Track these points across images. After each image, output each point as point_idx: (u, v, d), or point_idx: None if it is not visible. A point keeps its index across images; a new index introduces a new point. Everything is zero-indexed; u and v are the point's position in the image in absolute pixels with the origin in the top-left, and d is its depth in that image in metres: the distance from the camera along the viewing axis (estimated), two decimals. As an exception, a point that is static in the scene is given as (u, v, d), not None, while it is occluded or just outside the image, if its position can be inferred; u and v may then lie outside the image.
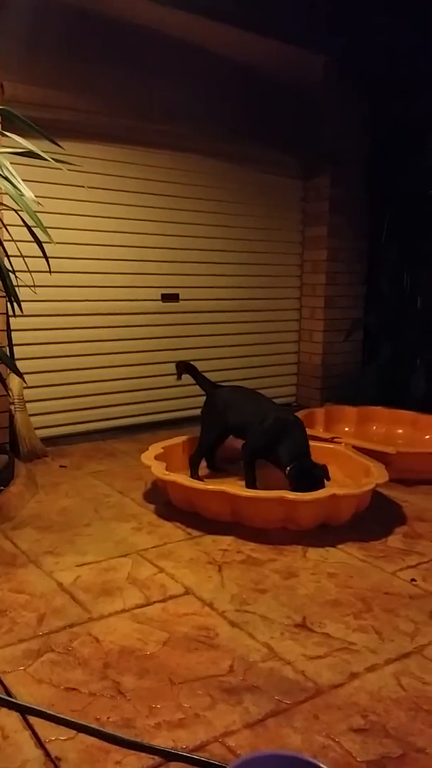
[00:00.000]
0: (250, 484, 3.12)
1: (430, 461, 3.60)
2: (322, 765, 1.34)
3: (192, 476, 3.28)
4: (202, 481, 3.22)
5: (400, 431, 4.28)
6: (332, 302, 5.19)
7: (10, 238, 3.09)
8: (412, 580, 2.40)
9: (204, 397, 3.49)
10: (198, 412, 4.63)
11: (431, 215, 4.82)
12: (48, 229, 2.74)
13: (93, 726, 1.58)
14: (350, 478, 3.26)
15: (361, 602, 2.24)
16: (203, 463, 3.49)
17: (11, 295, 2.90)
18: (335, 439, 3.62)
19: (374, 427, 4.37)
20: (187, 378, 3.53)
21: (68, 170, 2.99)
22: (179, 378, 3.56)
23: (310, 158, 5.04)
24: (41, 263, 2.91)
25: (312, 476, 2.92)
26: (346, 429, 4.31)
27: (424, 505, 3.20)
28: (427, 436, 4.13)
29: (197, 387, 3.57)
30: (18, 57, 3.55)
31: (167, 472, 2.98)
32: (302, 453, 3.03)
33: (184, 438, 3.63)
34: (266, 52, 4.42)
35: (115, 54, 3.91)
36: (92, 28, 3.80)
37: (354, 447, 3.49)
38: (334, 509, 2.82)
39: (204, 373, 3.59)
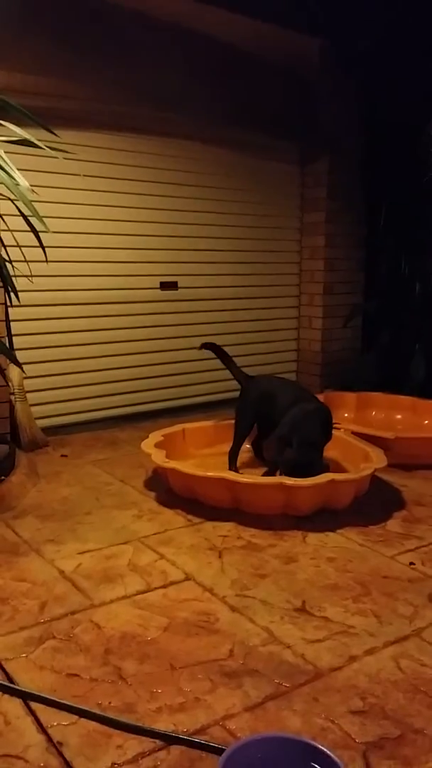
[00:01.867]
0: (271, 471, 3.13)
1: (429, 446, 3.61)
2: (321, 747, 1.36)
3: (230, 468, 3.28)
4: (239, 472, 3.22)
5: (399, 416, 4.28)
6: (331, 288, 5.18)
7: (6, 228, 3.08)
8: (411, 563, 2.42)
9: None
10: (200, 399, 4.71)
11: (429, 201, 4.80)
12: (44, 218, 2.73)
13: (94, 711, 1.60)
14: (349, 463, 3.27)
15: (360, 586, 2.25)
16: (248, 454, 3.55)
17: (8, 285, 2.90)
18: (335, 425, 3.62)
19: (374, 413, 4.38)
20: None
21: (63, 158, 2.97)
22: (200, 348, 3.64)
23: (307, 144, 5.01)
24: (38, 253, 2.90)
25: (295, 465, 2.90)
26: (346, 415, 4.31)
27: (423, 490, 3.21)
28: (426, 421, 4.14)
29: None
30: (10, 45, 3.52)
31: (167, 460, 3.00)
32: (308, 442, 3.00)
33: (184, 426, 3.65)
34: (261, 36, 4.38)
35: (109, 41, 3.88)
36: (85, 15, 3.76)
37: (353, 432, 3.50)
38: (334, 494, 2.83)
39: (204, 361, 3.60)
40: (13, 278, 2.93)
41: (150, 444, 3.19)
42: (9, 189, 2.69)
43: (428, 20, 4.48)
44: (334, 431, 3.43)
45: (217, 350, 3.62)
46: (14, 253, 3.03)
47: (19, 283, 3.03)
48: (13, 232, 3.06)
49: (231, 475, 2.90)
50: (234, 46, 4.44)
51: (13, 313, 3.66)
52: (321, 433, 3.09)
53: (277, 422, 3.23)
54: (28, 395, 3.83)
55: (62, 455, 3.71)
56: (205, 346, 3.63)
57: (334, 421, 3.24)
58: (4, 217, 3.06)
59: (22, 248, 3.04)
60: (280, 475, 2.95)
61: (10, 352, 3.42)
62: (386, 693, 1.69)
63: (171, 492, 3.07)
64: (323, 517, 2.81)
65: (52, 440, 3.91)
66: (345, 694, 1.69)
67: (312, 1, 4.37)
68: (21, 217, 2.83)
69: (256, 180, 4.94)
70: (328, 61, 4.81)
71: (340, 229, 5.14)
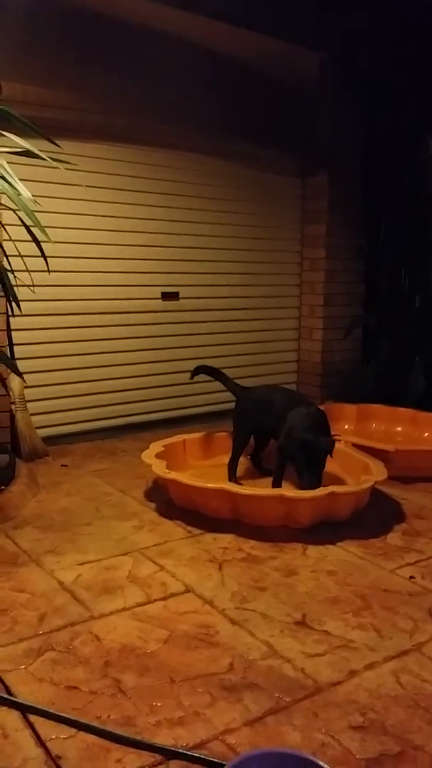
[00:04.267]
0: (276, 483, 3.11)
1: (429, 459, 3.61)
2: (320, 762, 1.35)
3: (230, 480, 3.28)
4: (240, 484, 3.20)
5: (400, 429, 4.28)
6: (331, 300, 5.19)
7: (8, 238, 3.10)
8: (411, 577, 2.41)
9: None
10: (200, 409, 4.71)
11: (428, 214, 4.82)
12: (46, 229, 2.75)
13: (93, 724, 1.59)
14: (349, 475, 3.27)
15: (361, 600, 2.24)
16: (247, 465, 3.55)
17: (10, 295, 2.91)
18: (335, 437, 3.62)
19: (374, 425, 4.37)
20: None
21: (66, 169, 2.99)
22: (191, 378, 3.65)
23: (307, 157, 5.04)
24: (40, 263, 2.92)
25: (300, 443, 2.94)
26: (346, 427, 4.31)
27: (423, 503, 3.21)
28: (426, 434, 4.14)
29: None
30: (14, 56, 3.55)
31: (168, 471, 2.99)
32: (306, 426, 3.01)
33: (184, 436, 3.65)
34: (262, 50, 4.42)
35: (111, 53, 3.91)
36: (87, 27, 3.80)
37: (353, 445, 3.50)
38: (334, 507, 2.83)
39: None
40: (15, 288, 2.94)
41: (151, 454, 3.19)
42: (11, 199, 2.71)
43: (427, 35, 4.52)
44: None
45: (208, 370, 3.64)
46: (16, 263, 3.05)
47: (21, 292, 3.04)
48: (15, 242, 3.08)
49: (231, 487, 2.90)
50: (236, 60, 4.48)
51: (14, 322, 3.67)
52: (319, 430, 3.06)
53: (273, 430, 3.22)
54: (29, 405, 3.83)
55: (62, 465, 3.71)
56: (196, 371, 3.65)
57: (334, 433, 3.23)
58: (6, 227, 3.07)
59: (24, 258, 3.06)
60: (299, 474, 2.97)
61: (11, 362, 3.43)
62: (386, 708, 1.69)
63: (171, 503, 3.07)
64: (323, 530, 2.80)
65: (53, 450, 3.91)
66: (345, 710, 1.68)
67: (313, 16, 4.41)
68: (23, 227, 2.85)
69: (258, 192, 4.96)
70: (328, 76, 4.85)
71: (340, 241, 5.16)
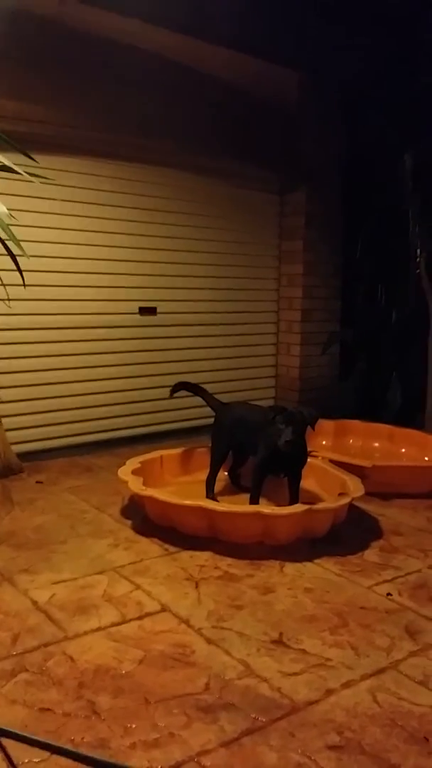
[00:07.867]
0: (254, 500, 3.08)
1: (406, 475, 3.63)
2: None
3: (207, 496, 3.26)
4: (217, 501, 3.19)
5: (377, 444, 4.31)
6: (309, 316, 5.23)
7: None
8: (388, 594, 2.41)
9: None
10: (179, 425, 4.69)
11: (405, 231, 4.89)
12: (22, 243, 2.74)
13: (67, 747, 1.56)
14: (327, 491, 3.27)
15: (338, 617, 2.24)
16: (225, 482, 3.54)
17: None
18: (312, 453, 3.62)
19: (351, 441, 4.39)
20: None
21: (42, 183, 2.99)
22: (171, 395, 3.63)
23: (286, 174, 5.09)
24: (16, 277, 2.90)
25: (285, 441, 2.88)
26: (324, 442, 4.32)
27: (400, 519, 3.22)
28: (403, 450, 4.17)
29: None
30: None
31: (144, 487, 2.97)
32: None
33: (162, 452, 3.63)
34: (242, 68, 4.47)
35: (90, 68, 3.92)
36: (67, 42, 3.81)
37: (330, 461, 3.51)
38: (311, 523, 2.82)
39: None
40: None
41: (127, 471, 3.16)
42: (-12, 214, 2.70)
43: (405, 54, 4.61)
44: (311, 459, 3.44)
45: (187, 387, 3.62)
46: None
47: (-3, 307, 3.02)
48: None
49: (208, 504, 2.88)
50: (215, 77, 4.52)
51: (-10, 337, 3.64)
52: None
53: (251, 446, 3.21)
54: (4, 420, 3.78)
55: (37, 482, 3.66)
56: (176, 388, 3.63)
57: (310, 449, 3.23)
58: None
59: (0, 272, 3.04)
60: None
61: (-14, 377, 3.39)
62: (363, 727, 1.68)
63: (147, 520, 3.04)
64: (300, 547, 2.79)
65: (28, 466, 3.86)
66: (322, 729, 1.67)
67: (293, 35, 4.47)
68: (-1, 242, 2.83)
69: (236, 208, 5.00)
70: (308, 94, 4.92)
71: (317, 257, 5.21)
